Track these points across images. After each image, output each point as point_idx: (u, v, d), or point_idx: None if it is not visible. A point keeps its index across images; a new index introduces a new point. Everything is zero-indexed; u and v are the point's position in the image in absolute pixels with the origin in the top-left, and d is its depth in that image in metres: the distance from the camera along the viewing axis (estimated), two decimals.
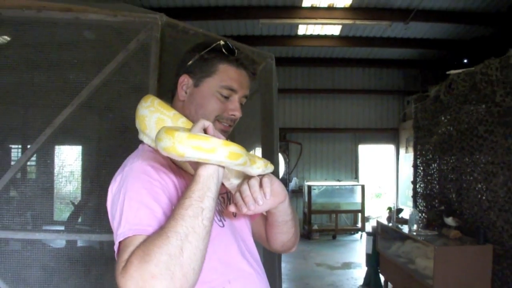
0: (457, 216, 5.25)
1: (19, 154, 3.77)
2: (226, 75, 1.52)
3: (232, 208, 1.41)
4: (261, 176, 1.40)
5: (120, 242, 1.23)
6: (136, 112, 1.51)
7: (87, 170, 3.73)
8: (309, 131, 12.48)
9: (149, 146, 1.49)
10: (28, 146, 3.26)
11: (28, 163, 3.38)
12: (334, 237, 11.54)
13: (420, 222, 6.02)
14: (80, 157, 3.76)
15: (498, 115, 4.48)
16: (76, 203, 3.81)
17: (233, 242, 1.52)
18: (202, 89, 1.52)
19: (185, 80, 1.55)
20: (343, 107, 12.66)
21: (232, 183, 1.46)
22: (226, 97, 1.53)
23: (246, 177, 1.41)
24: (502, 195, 4.46)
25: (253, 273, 1.53)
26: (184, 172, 1.47)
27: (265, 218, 1.67)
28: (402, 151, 11.97)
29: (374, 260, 6.78)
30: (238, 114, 1.54)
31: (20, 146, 3.86)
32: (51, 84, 3.31)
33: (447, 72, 5.70)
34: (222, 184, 1.38)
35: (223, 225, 1.51)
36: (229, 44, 1.52)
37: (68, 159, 3.80)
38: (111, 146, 3.43)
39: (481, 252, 4.64)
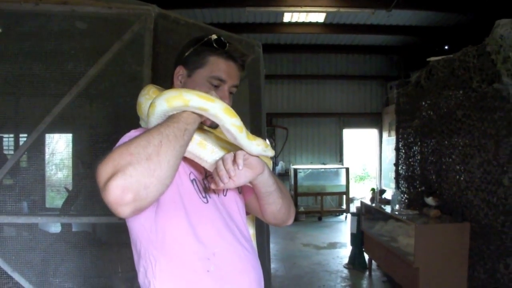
0: (437, 196, 5.45)
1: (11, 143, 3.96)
2: (216, 67, 1.64)
3: (212, 186, 1.49)
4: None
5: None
6: (136, 100, 1.69)
7: (80, 156, 3.85)
8: (295, 116, 12.63)
9: (138, 129, 1.63)
10: (25, 135, 3.40)
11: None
12: (320, 219, 11.74)
13: (402, 202, 6.26)
14: (71, 145, 3.87)
15: (474, 100, 4.64)
16: (69, 190, 3.96)
17: (218, 218, 1.61)
18: (194, 79, 1.64)
19: (180, 71, 1.68)
20: (327, 92, 12.83)
21: (208, 162, 1.56)
22: (216, 86, 1.64)
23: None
24: (478, 176, 4.62)
25: (239, 248, 1.62)
26: None
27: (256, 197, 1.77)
28: (385, 134, 12.15)
29: (358, 239, 6.99)
30: (226, 101, 1.58)
31: (12, 135, 4.00)
32: (49, 74, 3.42)
33: (428, 59, 5.88)
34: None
35: (207, 201, 1.61)
36: (221, 38, 1.64)
37: (58, 147, 3.88)
38: (106, 132, 3.57)
39: (459, 229, 4.83)
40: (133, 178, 1.17)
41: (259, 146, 1.50)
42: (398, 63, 12.16)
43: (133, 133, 1.55)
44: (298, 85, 12.77)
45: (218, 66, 1.64)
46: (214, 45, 1.63)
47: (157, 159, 1.23)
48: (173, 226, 1.50)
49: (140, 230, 1.51)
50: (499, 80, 4.16)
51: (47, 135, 3.62)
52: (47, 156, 3.72)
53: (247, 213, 1.86)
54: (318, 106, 12.79)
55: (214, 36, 1.65)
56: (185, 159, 1.56)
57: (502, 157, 4.20)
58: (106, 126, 3.60)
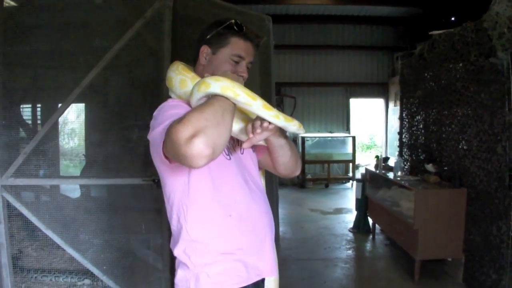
0: (437, 163, 5.73)
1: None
2: (237, 46, 1.94)
3: (245, 145, 1.77)
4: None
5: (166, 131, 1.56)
6: (166, 75, 2.00)
7: (94, 125, 4.18)
8: (303, 85, 12.84)
9: (173, 100, 1.96)
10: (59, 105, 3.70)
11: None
12: (326, 186, 12.10)
13: (404, 169, 6.57)
14: (82, 114, 4.10)
15: (472, 73, 4.86)
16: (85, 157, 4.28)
17: (238, 172, 1.95)
18: (218, 56, 1.95)
19: (205, 50, 1.97)
20: (335, 62, 12.99)
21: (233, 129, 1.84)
22: (237, 62, 1.95)
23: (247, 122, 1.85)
24: (475, 145, 4.87)
25: (255, 196, 1.99)
26: None
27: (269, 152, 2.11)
28: (391, 104, 12.39)
29: (363, 204, 7.33)
30: (245, 75, 1.96)
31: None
32: (78, 49, 3.74)
33: (430, 33, 6.09)
34: None
35: (230, 159, 1.94)
36: (239, 22, 1.94)
37: (70, 117, 4.10)
38: (127, 103, 3.88)
39: (456, 195, 5.11)
40: (210, 138, 1.46)
41: (295, 126, 1.79)
42: (404, 35, 12.25)
43: (171, 102, 1.91)
44: (306, 55, 12.93)
45: (239, 45, 1.94)
46: (235, 28, 1.93)
47: (223, 125, 1.54)
48: (200, 179, 1.84)
49: (175, 183, 1.85)
50: (494, 54, 4.39)
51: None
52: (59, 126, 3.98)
53: (259, 169, 2.19)
54: (326, 76, 12.96)
55: (233, 21, 1.93)
56: None
57: (496, 127, 4.45)
58: (126, 96, 3.89)
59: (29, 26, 3.60)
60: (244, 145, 1.79)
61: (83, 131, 4.23)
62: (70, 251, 3.69)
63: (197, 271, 1.84)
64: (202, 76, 1.88)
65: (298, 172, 2.22)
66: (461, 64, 5.18)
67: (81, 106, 4.03)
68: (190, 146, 1.42)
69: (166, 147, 1.55)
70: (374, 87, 13.16)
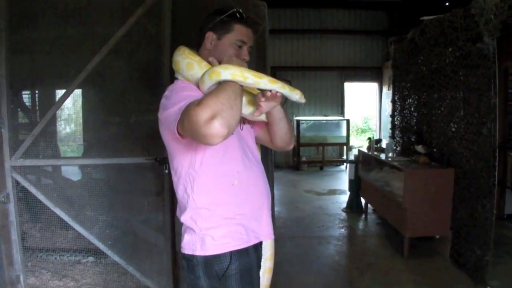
0: (427, 144, 5.95)
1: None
2: (240, 32, 2.16)
3: (256, 113, 2.04)
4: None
5: (182, 113, 1.78)
6: (172, 58, 2.21)
7: (99, 109, 4.30)
8: (298, 69, 13.02)
9: (182, 81, 2.16)
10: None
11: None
12: (321, 168, 12.39)
13: (395, 150, 6.79)
14: (80, 99, 4.20)
15: (461, 58, 5.04)
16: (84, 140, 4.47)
17: (240, 146, 2.16)
18: (223, 41, 2.15)
19: (210, 36, 2.16)
20: (329, 47, 13.14)
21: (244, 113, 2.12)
22: (240, 47, 2.16)
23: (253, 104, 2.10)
24: (462, 126, 5.06)
25: (254, 168, 2.22)
26: None
27: (267, 128, 2.36)
28: (385, 88, 12.54)
29: (356, 185, 7.59)
30: (247, 58, 2.18)
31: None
32: (82, 36, 3.92)
33: (421, 18, 6.26)
34: None
35: (233, 133, 2.10)
36: (241, 11, 2.16)
37: (66, 103, 4.18)
38: (127, 86, 4.06)
39: (444, 174, 5.31)
40: (226, 119, 1.67)
41: (297, 95, 2.03)
42: (398, 19, 12.31)
43: (181, 83, 2.12)
44: (301, 39, 13.07)
45: (242, 32, 2.16)
46: (238, 16, 2.14)
47: (236, 108, 1.76)
48: (207, 153, 2.06)
49: (184, 157, 2.08)
50: (481, 40, 4.58)
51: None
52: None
53: (256, 144, 2.42)
54: (320, 60, 13.12)
55: (235, 9, 2.15)
56: None
57: (482, 109, 4.64)
58: (128, 80, 4.06)
59: (34, 13, 3.75)
60: (256, 114, 2.05)
61: (80, 117, 4.38)
62: (77, 227, 3.88)
63: (203, 234, 2.06)
64: (207, 59, 2.12)
65: (292, 145, 2.47)
66: (450, 49, 5.34)
67: (78, 92, 4.10)
68: (209, 127, 1.64)
69: (182, 126, 1.76)
70: (368, 71, 13.31)
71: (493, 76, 4.52)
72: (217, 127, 1.65)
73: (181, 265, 3.94)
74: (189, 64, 2.11)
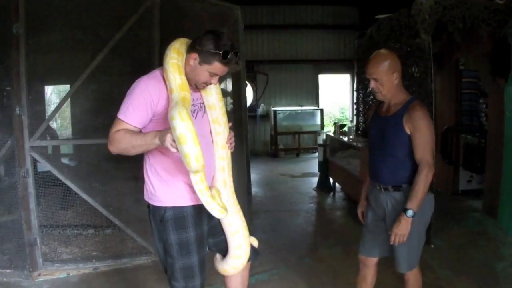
0: None
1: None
2: (218, 69, 2.44)
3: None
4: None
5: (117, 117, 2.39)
6: (168, 51, 2.48)
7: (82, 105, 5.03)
8: (274, 62, 13.64)
9: (153, 77, 2.50)
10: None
11: None
12: (297, 155, 13.19)
13: (358, 132, 7.67)
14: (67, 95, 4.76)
15: (406, 51, 5.84)
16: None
17: (200, 128, 2.40)
18: (202, 67, 2.43)
19: (195, 57, 2.42)
20: (304, 40, 13.84)
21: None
22: (212, 75, 2.47)
23: None
24: None
25: (208, 146, 2.62)
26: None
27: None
28: (356, 79, 13.20)
29: (324, 166, 8.35)
30: (214, 83, 2.55)
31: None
32: (87, 39, 4.72)
33: (376, 16, 7.07)
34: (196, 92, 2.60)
35: (195, 118, 2.54)
36: (227, 52, 2.37)
37: (52, 98, 5.03)
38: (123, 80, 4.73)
39: None
40: (124, 152, 2.41)
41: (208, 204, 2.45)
42: (369, 15, 12.86)
43: (143, 83, 2.46)
44: (277, 34, 13.70)
45: (219, 68, 2.44)
46: (222, 57, 2.38)
47: (135, 152, 2.40)
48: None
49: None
50: (419, 36, 5.41)
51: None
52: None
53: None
54: (296, 54, 13.81)
55: (224, 49, 2.38)
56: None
57: (423, 94, 5.47)
58: (124, 76, 4.72)
59: (48, 20, 4.47)
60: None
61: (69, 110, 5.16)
62: (84, 196, 4.62)
63: (158, 183, 2.62)
64: (188, 73, 2.47)
65: None
66: (398, 45, 6.12)
67: (66, 87, 4.81)
68: (112, 151, 2.43)
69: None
70: (341, 64, 13.97)
71: (429, 67, 5.32)
72: (116, 153, 2.42)
73: None
74: (171, 71, 2.43)
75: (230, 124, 2.81)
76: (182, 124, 2.08)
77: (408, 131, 2.82)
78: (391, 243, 2.86)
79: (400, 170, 2.92)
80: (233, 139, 2.78)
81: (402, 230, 2.79)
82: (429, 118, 2.84)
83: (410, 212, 2.76)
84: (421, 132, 2.79)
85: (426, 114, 2.82)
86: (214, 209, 2.43)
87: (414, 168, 2.85)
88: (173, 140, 2.13)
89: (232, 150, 2.79)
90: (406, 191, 2.87)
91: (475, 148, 7.12)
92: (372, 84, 2.91)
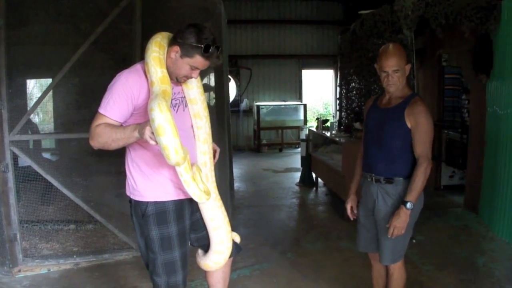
0: (362, 121, 6.81)
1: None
2: (199, 62, 2.43)
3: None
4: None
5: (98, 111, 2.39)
6: (150, 46, 2.47)
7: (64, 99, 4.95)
8: (258, 57, 13.63)
9: (134, 70, 2.49)
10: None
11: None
12: (280, 150, 13.21)
13: (340, 128, 7.68)
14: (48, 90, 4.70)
15: None
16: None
17: (181, 122, 2.52)
18: (183, 60, 2.42)
19: (176, 49, 2.41)
20: (288, 36, 13.82)
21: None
22: (193, 68, 2.47)
23: None
24: None
25: (189, 138, 2.66)
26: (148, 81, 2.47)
27: None
28: (340, 74, 13.26)
29: (307, 161, 8.37)
30: (195, 77, 2.55)
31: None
32: (68, 32, 4.67)
33: (359, 12, 7.12)
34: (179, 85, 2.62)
35: (177, 112, 2.58)
36: (209, 46, 2.37)
37: (34, 92, 5.00)
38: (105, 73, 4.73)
39: None
40: (104, 146, 2.38)
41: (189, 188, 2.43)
42: (353, 10, 12.92)
43: (124, 78, 2.46)
44: (260, 29, 13.70)
45: (200, 62, 2.43)
46: (203, 51, 2.38)
47: (115, 146, 2.36)
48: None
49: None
50: (402, 32, 5.46)
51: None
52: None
53: None
54: (279, 49, 13.79)
55: (205, 43, 2.37)
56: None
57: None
58: (106, 69, 4.72)
59: (28, 12, 4.43)
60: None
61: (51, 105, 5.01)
62: (65, 191, 4.58)
63: (140, 178, 2.62)
64: (169, 66, 2.47)
65: None
66: (381, 40, 6.19)
67: (48, 81, 4.71)
68: (92, 143, 2.42)
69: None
70: (324, 59, 14.03)
71: (411, 63, 5.35)
72: (97, 147, 2.40)
73: None
74: (152, 65, 2.42)
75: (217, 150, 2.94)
76: (161, 116, 2.06)
77: (409, 125, 2.86)
78: (389, 236, 2.89)
79: (394, 163, 2.97)
80: (217, 155, 2.90)
81: (401, 222, 2.84)
82: (430, 113, 2.89)
83: (409, 205, 2.82)
84: (422, 127, 2.84)
85: (427, 109, 2.88)
86: (199, 196, 2.42)
87: (408, 162, 2.93)
88: (152, 133, 2.11)
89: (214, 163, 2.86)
90: (397, 184, 2.95)
91: (457, 144, 7.18)
92: (390, 76, 2.91)
